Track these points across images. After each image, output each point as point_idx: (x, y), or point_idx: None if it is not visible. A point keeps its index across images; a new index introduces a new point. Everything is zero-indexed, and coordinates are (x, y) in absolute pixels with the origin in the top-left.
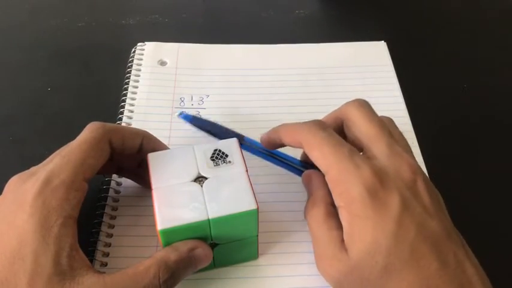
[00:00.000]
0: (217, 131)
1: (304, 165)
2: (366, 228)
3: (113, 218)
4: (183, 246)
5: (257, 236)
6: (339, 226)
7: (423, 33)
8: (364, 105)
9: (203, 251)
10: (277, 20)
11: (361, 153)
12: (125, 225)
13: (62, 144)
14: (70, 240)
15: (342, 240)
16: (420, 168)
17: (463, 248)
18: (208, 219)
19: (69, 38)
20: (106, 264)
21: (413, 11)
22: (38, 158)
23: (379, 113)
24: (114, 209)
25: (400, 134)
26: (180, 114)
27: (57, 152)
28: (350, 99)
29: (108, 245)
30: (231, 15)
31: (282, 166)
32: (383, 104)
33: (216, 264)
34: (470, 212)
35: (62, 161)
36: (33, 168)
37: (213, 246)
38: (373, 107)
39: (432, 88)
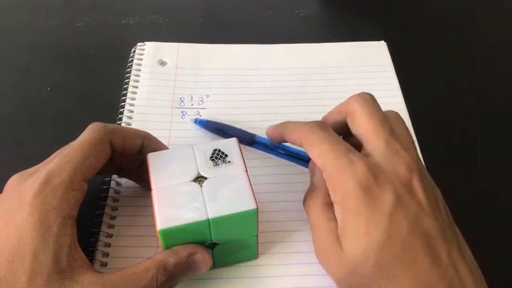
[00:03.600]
0: (233, 133)
1: None
2: (359, 224)
3: (112, 218)
4: (183, 251)
5: (257, 236)
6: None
7: (423, 33)
8: (367, 100)
9: (202, 257)
10: (277, 20)
11: (361, 151)
12: (124, 225)
13: (62, 144)
14: (69, 240)
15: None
16: (419, 165)
17: (457, 247)
18: (208, 219)
19: (69, 38)
20: (106, 264)
21: (413, 11)
22: (38, 158)
23: None
24: (114, 209)
25: (404, 129)
26: (195, 121)
27: (58, 151)
28: None
29: (108, 245)
30: (231, 15)
31: (295, 162)
32: (383, 104)
33: (216, 264)
34: (469, 210)
35: (62, 161)
36: (33, 168)
37: (212, 246)
38: None
39: (432, 88)
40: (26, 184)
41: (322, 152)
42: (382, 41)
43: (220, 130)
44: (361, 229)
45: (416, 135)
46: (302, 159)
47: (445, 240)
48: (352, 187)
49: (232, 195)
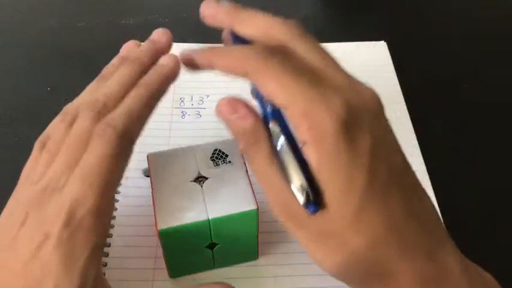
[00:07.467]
0: None
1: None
2: (339, 165)
3: (112, 218)
4: None
5: (257, 236)
6: None
7: (423, 33)
8: (305, 33)
9: None
10: None
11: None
12: (124, 226)
13: None
14: (95, 272)
15: None
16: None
17: (420, 185)
18: (208, 220)
19: (69, 38)
20: (106, 265)
21: (413, 11)
22: None
23: None
24: (114, 209)
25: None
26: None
27: (68, 158)
28: None
29: (108, 245)
30: None
31: None
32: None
33: (216, 264)
34: (469, 212)
35: (83, 186)
36: (46, 181)
37: (212, 246)
38: None
39: (432, 88)
40: (50, 210)
41: (285, 84)
42: (382, 41)
43: None
44: (342, 171)
45: (416, 135)
46: None
47: (411, 176)
48: (330, 124)
49: (233, 195)
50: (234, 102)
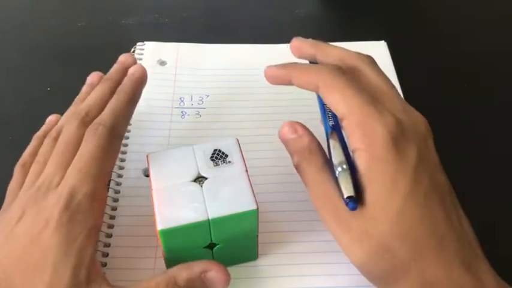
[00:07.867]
0: None
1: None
2: (386, 170)
3: (112, 218)
4: (197, 266)
5: (257, 236)
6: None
7: (423, 33)
8: (374, 62)
9: (217, 275)
10: (277, 19)
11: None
12: (124, 225)
13: None
14: (90, 252)
15: None
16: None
17: (459, 205)
18: (208, 220)
19: (69, 38)
20: (105, 265)
21: (414, 11)
22: None
23: None
24: (114, 209)
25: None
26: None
27: (60, 160)
28: None
29: (108, 245)
30: (231, 15)
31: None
32: None
33: None
34: (469, 214)
35: (80, 175)
36: (39, 183)
37: (212, 246)
38: None
39: (432, 88)
40: (47, 202)
41: (347, 97)
42: (382, 41)
43: None
44: (388, 175)
45: None
46: None
47: (452, 196)
48: (382, 135)
49: (233, 195)
50: (294, 125)
